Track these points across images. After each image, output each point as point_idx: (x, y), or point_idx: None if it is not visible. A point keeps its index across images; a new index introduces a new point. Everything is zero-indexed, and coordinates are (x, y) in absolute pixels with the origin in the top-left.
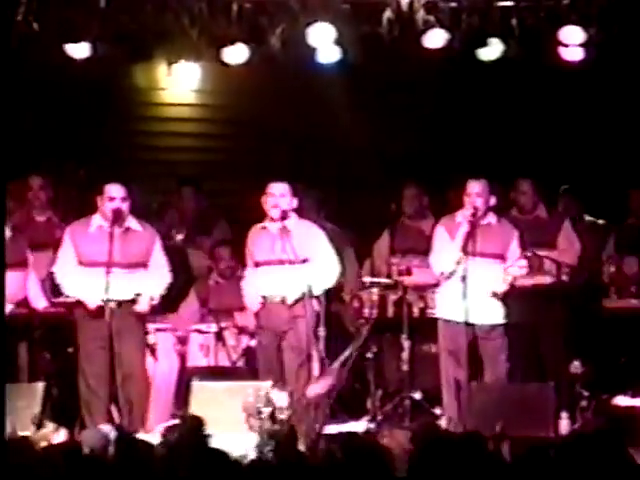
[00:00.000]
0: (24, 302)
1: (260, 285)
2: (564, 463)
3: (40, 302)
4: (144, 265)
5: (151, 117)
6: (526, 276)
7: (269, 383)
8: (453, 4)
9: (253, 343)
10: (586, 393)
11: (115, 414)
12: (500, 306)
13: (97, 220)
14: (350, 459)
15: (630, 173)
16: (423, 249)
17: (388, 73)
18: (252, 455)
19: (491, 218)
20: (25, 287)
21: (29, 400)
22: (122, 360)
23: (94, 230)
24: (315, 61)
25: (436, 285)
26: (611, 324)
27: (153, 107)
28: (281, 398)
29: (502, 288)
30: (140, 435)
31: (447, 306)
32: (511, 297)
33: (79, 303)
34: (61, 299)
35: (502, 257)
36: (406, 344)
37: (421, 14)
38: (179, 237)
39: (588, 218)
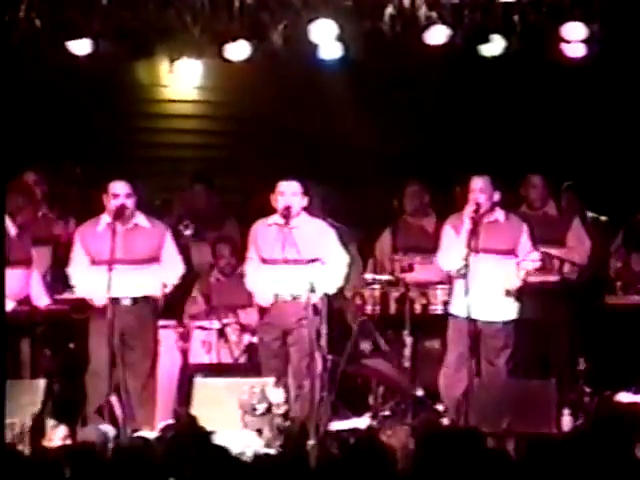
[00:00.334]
0: (26, 299)
1: (270, 282)
2: (566, 460)
3: (42, 300)
4: (156, 259)
5: (153, 114)
6: (533, 273)
7: (265, 380)
8: (455, 0)
9: (255, 340)
10: (589, 389)
11: (118, 412)
12: (509, 303)
13: (105, 219)
14: (352, 456)
15: (629, 169)
16: (425, 246)
17: (390, 69)
18: (253, 452)
19: (498, 214)
20: (28, 285)
21: (31, 397)
22: (132, 359)
23: (102, 229)
24: (317, 57)
25: (439, 282)
26: (614, 320)
27: (155, 104)
28: (277, 394)
29: (515, 285)
30: (143, 432)
31: (457, 303)
32: (518, 294)
33: (83, 301)
34: (62, 296)
35: (513, 252)
36: (408, 341)
37: (423, 10)
38: (187, 232)
39: (590, 215)
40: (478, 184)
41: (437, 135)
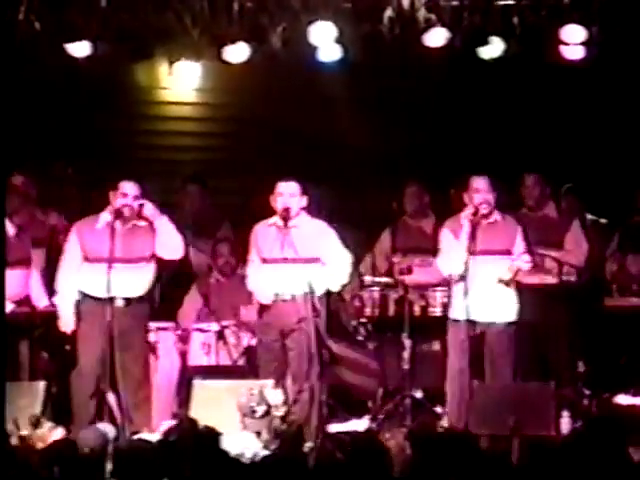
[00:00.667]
0: (26, 300)
1: (270, 283)
2: (565, 462)
3: (42, 300)
4: (153, 260)
5: (152, 116)
6: (531, 275)
7: (265, 382)
8: (454, 2)
9: (254, 342)
10: (588, 392)
11: (117, 413)
12: (507, 303)
13: (105, 217)
14: (351, 458)
15: (628, 171)
16: (424, 248)
17: (389, 71)
18: (252, 454)
19: (495, 215)
20: (27, 285)
21: (30, 399)
22: (125, 359)
23: (102, 227)
24: (316, 60)
25: (438, 284)
26: (613, 323)
27: (154, 106)
28: (276, 396)
29: (508, 276)
30: (143, 435)
31: (457, 306)
32: (517, 296)
33: (78, 302)
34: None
35: (509, 252)
36: (407, 343)
37: (422, 12)
38: None
39: (590, 217)
40: (478, 185)
41: (436, 137)
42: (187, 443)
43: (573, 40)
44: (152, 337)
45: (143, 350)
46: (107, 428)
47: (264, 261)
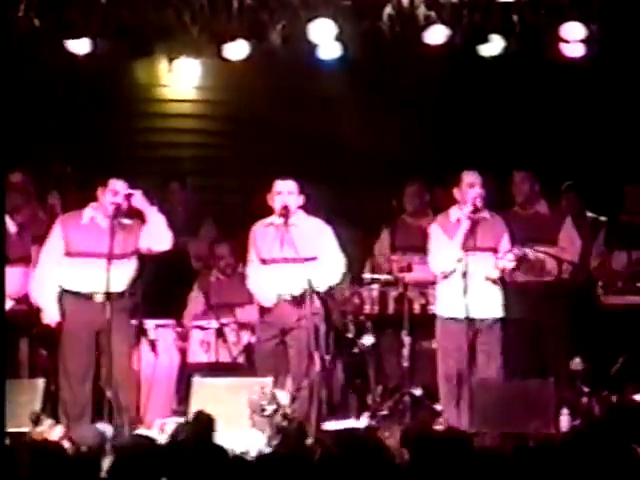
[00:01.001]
0: (25, 298)
1: (270, 282)
2: (564, 459)
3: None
4: (135, 255)
5: (152, 113)
6: (526, 272)
7: (265, 379)
8: (454, 0)
9: (254, 339)
10: (586, 389)
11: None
12: (498, 300)
13: (89, 212)
14: (349, 455)
15: (626, 169)
16: (424, 246)
17: (389, 69)
18: (253, 451)
19: (485, 212)
20: (27, 283)
21: (30, 396)
22: (111, 355)
23: (86, 221)
24: (316, 57)
25: (436, 282)
26: (610, 320)
27: (154, 103)
28: (282, 396)
29: (495, 274)
30: (140, 431)
31: (448, 304)
32: (512, 293)
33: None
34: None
35: (495, 250)
36: (407, 340)
37: (422, 10)
38: None
39: (590, 215)
40: (471, 180)
41: (436, 135)
42: (189, 441)
43: (573, 37)
44: (151, 334)
45: (127, 346)
46: (105, 427)
47: (263, 261)
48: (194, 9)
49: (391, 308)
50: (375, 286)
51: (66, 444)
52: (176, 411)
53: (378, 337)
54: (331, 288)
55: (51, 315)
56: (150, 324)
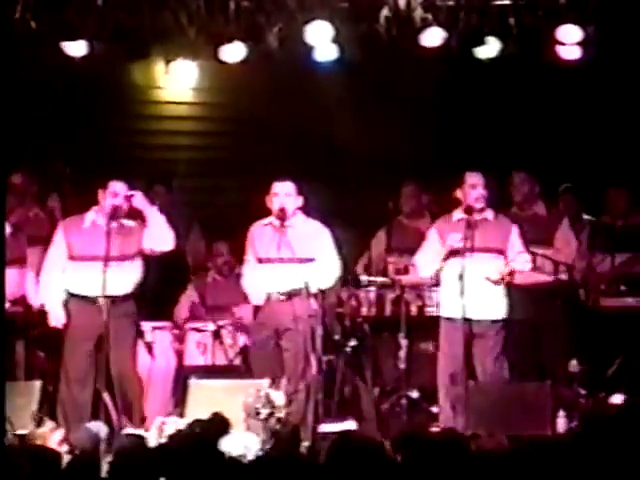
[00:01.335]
0: (21, 300)
1: (265, 282)
2: (561, 462)
3: (37, 299)
4: (138, 257)
5: (148, 115)
6: (524, 274)
7: (262, 381)
8: (451, 2)
9: (250, 341)
10: (583, 392)
11: (112, 413)
12: (499, 301)
13: (91, 215)
14: (344, 458)
15: (610, 171)
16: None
17: (385, 71)
18: (249, 454)
19: (488, 213)
20: (23, 284)
21: (27, 398)
22: (115, 358)
23: (88, 225)
24: (312, 59)
25: (434, 284)
26: (607, 322)
27: (150, 105)
28: (278, 397)
29: (497, 276)
30: (138, 432)
31: (448, 305)
32: (510, 294)
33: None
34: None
35: (501, 252)
36: (404, 342)
37: (419, 12)
38: None
39: (586, 217)
40: (473, 180)
41: (432, 136)
42: (186, 443)
43: (569, 40)
44: (148, 337)
45: (131, 349)
46: (100, 428)
47: (260, 261)
48: (191, 11)
49: (388, 310)
50: (372, 288)
51: (64, 447)
52: (172, 413)
53: (375, 339)
54: (326, 290)
55: (57, 317)
56: (147, 326)
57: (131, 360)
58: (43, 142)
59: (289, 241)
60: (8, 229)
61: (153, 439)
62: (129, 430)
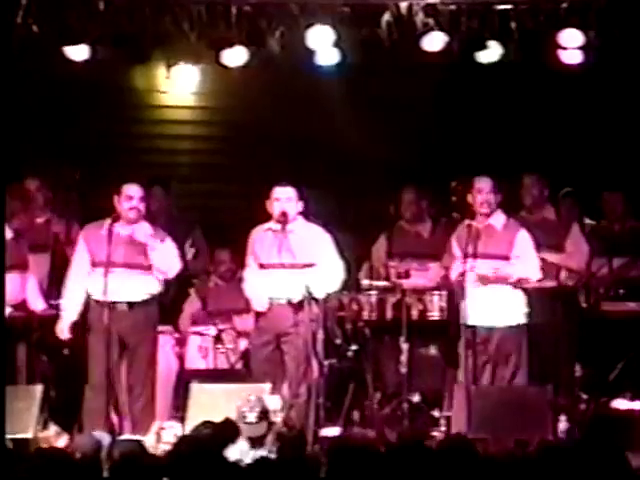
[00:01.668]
0: (22, 304)
1: (265, 287)
2: (563, 465)
3: (38, 304)
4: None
5: (150, 120)
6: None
7: (262, 386)
8: (452, 7)
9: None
10: (585, 396)
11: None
12: (503, 306)
13: (108, 222)
14: (345, 462)
15: (607, 175)
16: (421, 252)
17: (387, 76)
18: (251, 459)
19: (496, 217)
20: (24, 290)
21: (28, 402)
22: (130, 363)
23: (105, 232)
24: (314, 64)
25: (435, 288)
26: (609, 327)
27: (152, 110)
28: (273, 401)
29: (489, 274)
30: (137, 437)
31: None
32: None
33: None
34: (58, 302)
35: (506, 257)
36: (405, 347)
37: (420, 17)
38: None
39: (588, 221)
40: (480, 185)
41: (434, 141)
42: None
43: (571, 44)
44: None
45: (147, 355)
46: (103, 436)
47: (261, 266)
48: (192, 15)
49: (389, 314)
50: (373, 292)
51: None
52: (174, 417)
53: (376, 343)
54: (329, 295)
55: (63, 329)
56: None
57: (146, 367)
58: (45, 147)
59: (290, 246)
60: (9, 234)
61: (151, 444)
62: (127, 436)
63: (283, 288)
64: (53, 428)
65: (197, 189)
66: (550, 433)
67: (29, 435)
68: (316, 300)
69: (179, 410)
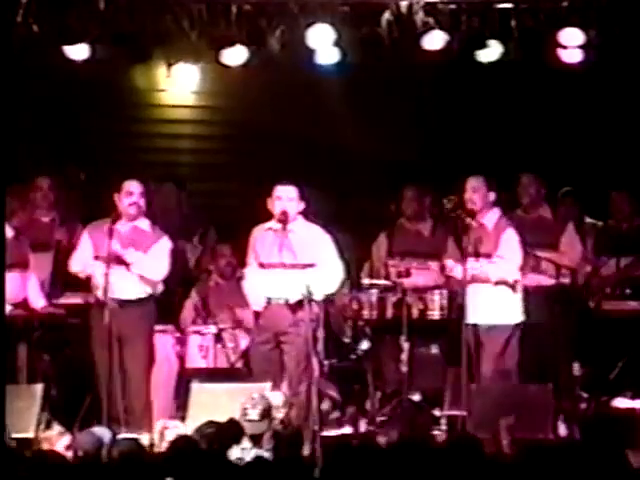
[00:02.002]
0: (23, 303)
1: (265, 286)
2: (562, 465)
3: (39, 302)
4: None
5: (150, 119)
6: (527, 277)
7: (263, 385)
8: (452, 6)
9: None
10: (585, 395)
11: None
12: (502, 305)
13: (110, 220)
14: (347, 461)
15: (612, 174)
16: (422, 251)
17: (387, 74)
18: (251, 456)
19: (489, 216)
20: (25, 288)
21: (28, 401)
22: (124, 361)
23: (107, 229)
24: (314, 63)
25: (436, 287)
26: (609, 326)
27: (152, 109)
28: (276, 397)
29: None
30: (138, 435)
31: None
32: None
33: (79, 306)
34: (62, 300)
35: (489, 256)
36: (405, 346)
37: (420, 16)
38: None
39: (588, 220)
40: (468, 185)
41: (434, 140)
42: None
43: (571, 43)
44: None
45: (142, 353)
46: (104, 432)
47: (261, 265)
48: (192, 15)
49: (390, 313)
50: (374, 291)
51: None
52: (174, 416)
53: (377, 342)
54: (330, 295)
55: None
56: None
57: (141, 365)
58: (46, 147)
59: (291, 245)
60: (10, 233)
61: (155, 443)
62: (125, 434)
63: (283, 287)
64: (57, 428)
65: (197, 188)
66: (550, 432)
67: (30, 434)
68: (316, 300)
69: (180, 409)
